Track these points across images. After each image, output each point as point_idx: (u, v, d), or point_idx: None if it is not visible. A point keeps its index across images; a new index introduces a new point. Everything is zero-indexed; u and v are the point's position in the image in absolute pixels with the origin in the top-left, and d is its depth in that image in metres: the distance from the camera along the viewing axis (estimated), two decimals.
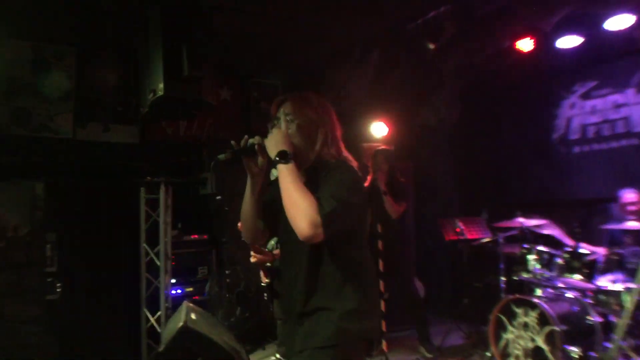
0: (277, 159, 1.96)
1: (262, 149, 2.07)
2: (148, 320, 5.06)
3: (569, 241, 4.54)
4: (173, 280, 5.26)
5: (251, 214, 2.19)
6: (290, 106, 2.13)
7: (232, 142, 2.09)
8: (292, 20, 5.08)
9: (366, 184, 5.20)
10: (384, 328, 4.76)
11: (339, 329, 1.95)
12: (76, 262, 5.03)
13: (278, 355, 4.61)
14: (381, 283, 4.80)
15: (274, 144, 2.00)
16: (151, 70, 3.67)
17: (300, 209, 1.87)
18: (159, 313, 4.99)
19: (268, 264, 4.26)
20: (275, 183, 2.17)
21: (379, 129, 6.18)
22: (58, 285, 4.95)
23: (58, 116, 5.26)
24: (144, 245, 5.13)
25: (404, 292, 5.12)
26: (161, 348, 3.54)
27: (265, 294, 4.27)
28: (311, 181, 2.06)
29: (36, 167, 4.80)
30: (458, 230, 5.08)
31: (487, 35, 5.15)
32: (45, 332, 4.57)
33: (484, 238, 5.17)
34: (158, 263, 5.05)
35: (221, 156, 2.06)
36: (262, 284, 4.31)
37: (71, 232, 5.00)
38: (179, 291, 5.40)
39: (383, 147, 5.17)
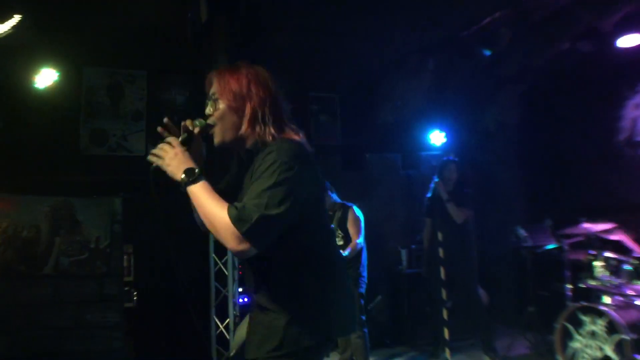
0: (186, 181, 1.71)
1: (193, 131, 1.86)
2: (217, 327, 5.29)
3: (638, 249, 4.38)
4: (240, 289, 5.48)
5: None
6: (216, 83, 1.88)
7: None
8: (348, 33, 5.23)
9: (429, 194, 5.24)
10: (446, 336, 4.76)
11: (286, 336, 1.73)
12: (151, 272, 5.38)
13: None
14: (443, 291, 4.81)
15: (175, 165, 1.74)
16: None
17: (222, 228, 1.63)
18: (227, 320, 5.21)
19: None
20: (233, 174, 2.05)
21: (437, 137, 6.21)
22: (134, 293, 5.30)
23: (132, 135, 5.67)
24: (213, 255, 5.38)
25: (467, 300, 5.10)
26: (231, 353, 3.75)
27: None
28: (248, 169, 1.86)
29: (114, 184, 5.17)
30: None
31: (544, 39, 5.08)
32: (124, 338, 4.90)
33: (548, 245, 5.07)
34: (226, 272, 5.29)
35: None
36: None
37: (146, 243, 5.35)
38: (245, 299, 5.62)
39: (451, 157, 5.22)
